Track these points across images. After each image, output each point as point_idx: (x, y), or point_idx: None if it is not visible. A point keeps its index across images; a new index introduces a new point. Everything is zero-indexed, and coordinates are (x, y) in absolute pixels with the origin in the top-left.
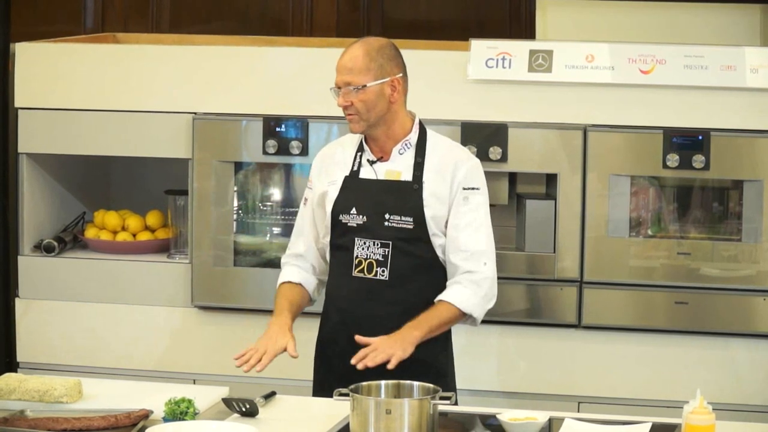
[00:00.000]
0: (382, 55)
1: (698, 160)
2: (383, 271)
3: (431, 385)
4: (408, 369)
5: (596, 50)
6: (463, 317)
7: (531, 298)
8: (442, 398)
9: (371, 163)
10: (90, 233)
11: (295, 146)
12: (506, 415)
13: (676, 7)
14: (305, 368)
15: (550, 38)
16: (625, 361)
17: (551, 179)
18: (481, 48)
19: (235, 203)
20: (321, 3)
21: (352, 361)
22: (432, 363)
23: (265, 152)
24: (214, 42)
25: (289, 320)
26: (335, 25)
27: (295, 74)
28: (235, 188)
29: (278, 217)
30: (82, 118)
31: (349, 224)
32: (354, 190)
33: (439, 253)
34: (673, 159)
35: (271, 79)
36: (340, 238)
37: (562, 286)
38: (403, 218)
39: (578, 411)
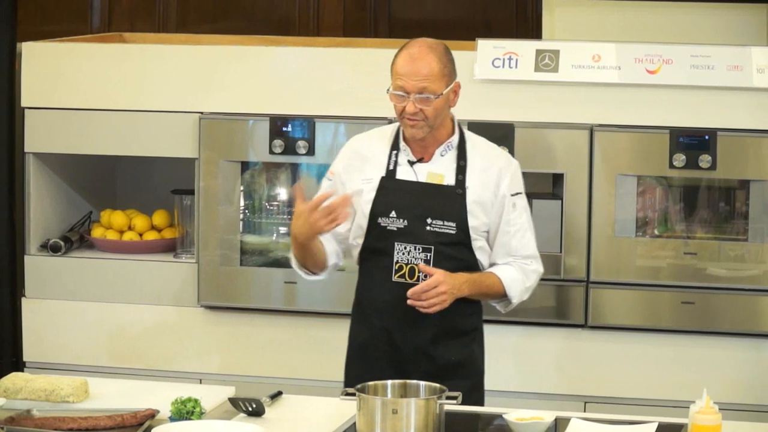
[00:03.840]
0: (449, 59)
1: (705, 159)
2: (425, 276)
3: (437, 385)
4: (447, 370)
5: (603, 50)
6: (501, 298)
7: (537, 297)
8: (448, 398)
9: (411, 163)
10: (96, 233)
11: (301, 146)
12: (512, 414)
13: (682, 6)
14: (311, 368)
15: (556, 38)
16: (632, 361)
17: (558, 179)
18: (488, 48)
19: (242, 203)
20: (328, 3)
21: (409, 293)
22: (472, 363)
23: (271, 152)
24: (221, 42)
25: None
26: (342, 24)
27: (301, 74)
28: (242, 188)
29: (285, 216)
30: (88, 118)
31: (388, 228)
32: (392, 191)
33: (478, 256)
34: (680, 159)
35: (278, 79)
36: (378, 241)
37: (569, 285)
38: (445, 223)
39: (584, 411)
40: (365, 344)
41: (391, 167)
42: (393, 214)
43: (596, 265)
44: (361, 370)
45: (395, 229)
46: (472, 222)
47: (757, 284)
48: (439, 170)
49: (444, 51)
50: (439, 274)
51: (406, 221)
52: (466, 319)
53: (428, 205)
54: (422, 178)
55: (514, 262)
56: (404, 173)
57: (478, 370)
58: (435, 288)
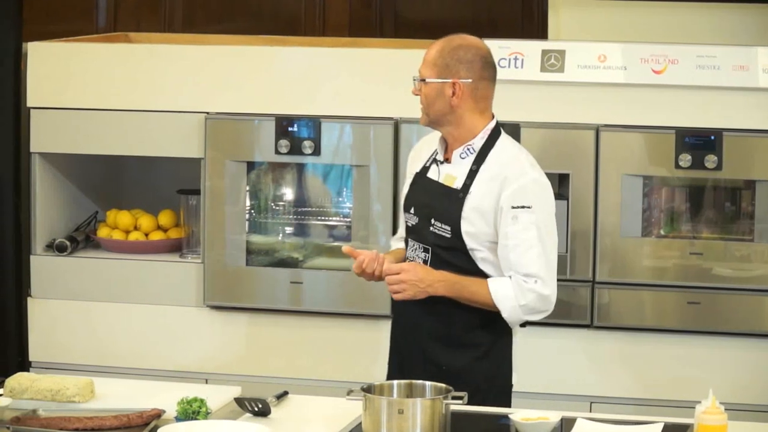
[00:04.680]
0: (454, 55)
1: (710, 160)
2: None
3: (443, 385)
4: (439, 378)
5: (608, 50)
6: (496, 309)
7: None
8: (454, 398)
9: (439, 163)
10: (102, 233)
11: (307, 146)
12: (518, 414)
13: (688, 6)
14: (317, 368)
15: (562, 38)
16: (638, 361)
17: (564, 179)
18: (494, 48)
19: (248, 203)
20: (334, 2)
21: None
22: (467, 377)
23: (277, 152)
24: (227, 41)
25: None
26: (348, 24)
27: (307, 74)
28: (248, 188)
29: (291, 216)
30: (94, 118)
31: (408, 223)
32: (418, 188)
33: (481, 266)
34: (686, 159)
35: (284, 79)
36: (406, 235)
37: (575, 286)
38: (443, 226)
39: (590, 411)
40: (390, 340)
41: (427, 165)
42: (412, 210)
43: (602, 265)
44: (389, 360)
45: (410, 225)
46: (466, 227)
47: (763, 284)
48: (454, 172)
49: (455, 46)
50: (406, 264)
51: (417, 219)
52: (465, 330)
53: (434, 206)
54: (441, 179)
55: (514, 276)
56: (432, 173)
57: (472, 386)
58: (396, 275)
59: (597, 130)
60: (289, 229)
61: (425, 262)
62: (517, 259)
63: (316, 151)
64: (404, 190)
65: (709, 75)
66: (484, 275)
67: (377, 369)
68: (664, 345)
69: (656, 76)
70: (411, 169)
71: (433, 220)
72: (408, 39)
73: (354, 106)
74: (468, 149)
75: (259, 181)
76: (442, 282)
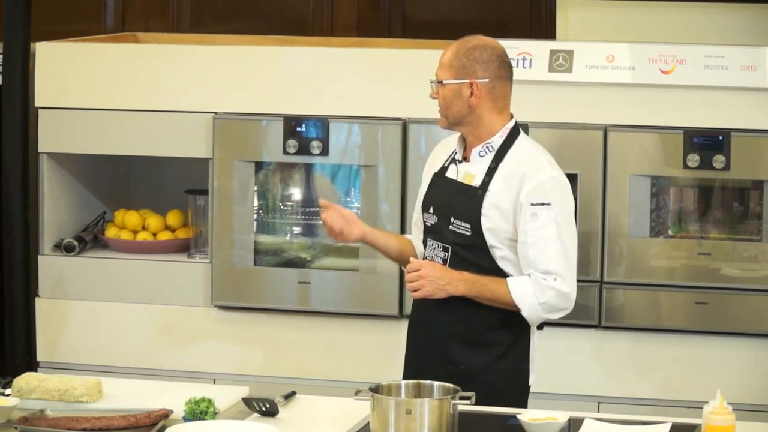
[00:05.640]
0: (470, 56)
1: (719, 160)
2: None
3: (451, 385)
4: (454, 377)
5: (617, 50)
6: (516, 308)
7: None
8: (462, 398)
9: (458, 162)
10: (110, 233)
11: (315, 146)
12: (526, 415)
13: (696, 7)
14: (325, 368)
15: (570, 38)
16: (645, 362)
17: (571, 179)
18: None
19: (256, 203)
20: (342, 3)
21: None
22: (484, 376)
23: (285, 152)
24: (235, 41)
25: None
26: (356, 24)
27: (315, 74)
28: (256, 188)
29: (299, 216)
30: (102, 118)
31: (426, 223)
32: (436, 188)
33: (500, 265)
34: (694, 159)
35: (292, 79)
36: (424, 236)
37: (583, 286)
38: (463, 224)
39: (598, 411)
40: (407, 338)
41: (446, 165)
42: (431, 210)
43: (610, 265)
44: (405, 362)
45: (429, 225)
46: (486, 223)
47: None
48: (473, 171)
49: (472, 47)
50: (425, 261)
51: (436, 218)
52: (485, 330)
53: (453, 204)
54: (459, 178)
55: (533, 274)
56: (451, 172)
57: (491, 386)
58: (416, 271)
59: (605, 130)
60: (297, 229)
61: (444, 261)
62: (536, 256)
63: (324, 152)
64: (422, 190)
65: (717, 75)
66: (504, 274)
67: (385, 369)
68: (671, 345)
69: (664, 77)
70: (429, 170)
71: (452, 219)
72: (416, 39)
73: (362, 107)
74: (487, 147)
75: (267, 181)
76: (462, 281)
